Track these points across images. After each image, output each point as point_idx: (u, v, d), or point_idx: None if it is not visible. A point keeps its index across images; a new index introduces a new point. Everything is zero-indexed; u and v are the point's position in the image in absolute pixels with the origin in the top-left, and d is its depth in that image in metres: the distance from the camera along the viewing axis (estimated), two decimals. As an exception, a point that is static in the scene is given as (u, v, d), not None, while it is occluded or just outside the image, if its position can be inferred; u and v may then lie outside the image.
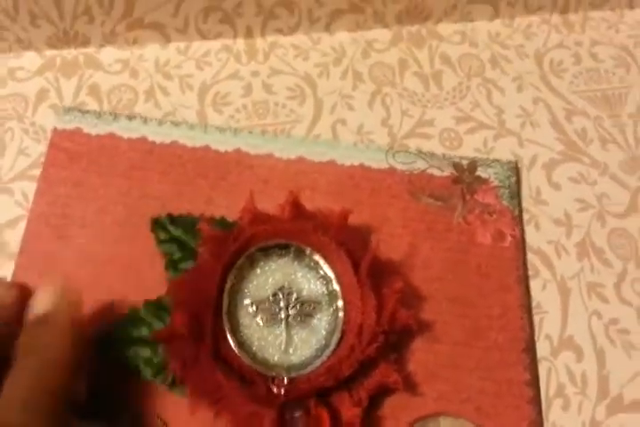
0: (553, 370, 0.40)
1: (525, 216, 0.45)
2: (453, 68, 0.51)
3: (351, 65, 0.50)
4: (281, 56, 0.50)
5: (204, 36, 0.50)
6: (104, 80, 0.48)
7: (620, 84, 0.51)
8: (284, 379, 0.35)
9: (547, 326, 0.41)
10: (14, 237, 0.41)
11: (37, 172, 0.43)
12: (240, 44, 0.50)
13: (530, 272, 0.43)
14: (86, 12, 0.47)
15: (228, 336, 0.36)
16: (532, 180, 0.46)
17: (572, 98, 0.50)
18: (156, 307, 0.38)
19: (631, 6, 0.54)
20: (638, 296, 0.43)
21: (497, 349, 0.40)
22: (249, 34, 0.50)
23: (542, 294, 0.42)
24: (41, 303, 0.33)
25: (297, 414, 0.35)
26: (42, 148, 0.44)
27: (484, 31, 0.53)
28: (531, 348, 0.40)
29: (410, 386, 0.38)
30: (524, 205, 0.45)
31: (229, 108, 0.47)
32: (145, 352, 0.37)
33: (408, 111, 0.49)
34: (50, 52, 0.48)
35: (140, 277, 0.40)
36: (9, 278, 0.39)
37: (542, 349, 0.41)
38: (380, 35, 0.52)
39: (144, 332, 0.37)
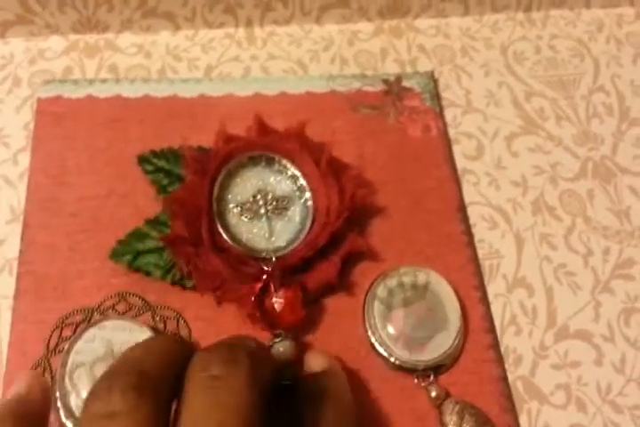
0: (507, 304, 0.46)
1: (487, 178, 0.51)
2: (428, 56, 0.58)
3: (338, 52, 0.57)
4: (277, 43, 0.57)
5: (209, 25, 0.57)
6: (121, 60, 0.55)
7: (575, 71, 0.58)
8: (271, 258, 0.42)
9: (503, 268, 0.48)
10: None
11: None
12: (241, 32, 0.57)
13: (490, 224, 0.49)
14: (107, 1, 0.54)
15: (222, 232, 0.43)
16: (494, 149, 0.53)
17: (532, 82, 0.57)
18: (156, 223, 0.45)
19: (588, 6, 0.62)
20: (584, 246, 0.49)
21: (435, 212, 0.49)
22: (249, 24, 0.57)
23: (500, 241, 0.49)
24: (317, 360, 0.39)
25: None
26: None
27: (455, 26, 0.60)
28: (462, 207, 0.49)
29: (372, 252, 0.47)
30: (488, 169, 0.52)
31: (230, 86, 0.54)
32: (152, 259, 0.44)
33: (388, 92, 0.56)
34: (74, 37, 0.56)
35: (136, 206, 0.47)
36: (19, 231, 0.46)
37: (498, 286, 0.47)
38: (364, 27, 0.59)
39: (148, 244, 0.44)
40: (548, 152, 0.53)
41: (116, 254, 0.44)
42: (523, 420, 0.43)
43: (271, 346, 0.41)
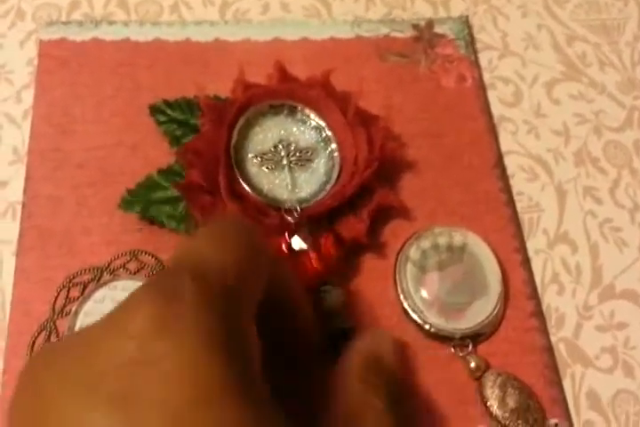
0: (549, 260, 0.43)
1: (526, 127, 0.48)
2: (461, -4, 0.53)
3: (364, -11, 0.53)
4: (298, -20, 0.53)
5: (225, -40, 0.52)
6: (132, -6, 0.50)
7: (619, 15, 0.54)
8: (295, 208, 0.39)
9: (543, 223, 0.44)
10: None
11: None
12: (259, -32, 0.53)
13: (529, 176, 0.46)
14: None
15: (240, 180, 0.39)
16: (532, 95, 0.49)
17: (574, 25, 0.53)
18: (169, 173, 0.42)
19: (631, -54, 0.57)
20: (631, 200, 0.46)
21: (471, 168, 0.45)
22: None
23: (540, 194, 0.45)
24: None
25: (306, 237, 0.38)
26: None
27: (490, -34, 0.55)
28: (500, 163, 0.46)
29: (403, 209, 0.43)
30: (527, 117, 0.48)
31: (250, 24, 0.50)
32: (165, 209, 0.40)
33: (417, 34, 0.51)
34: (80, -31, 0.51)
35: (147, 157, 0.43)
36: (23, 173, 0.42)
37: (539, 242, 0.44)
38: (392, -34, 0.54)
39: (161, 194, 0.41)
40: (591, 100, 0.49)
41: (125, 204, 0.41)
42: (566, 384, 0.39)
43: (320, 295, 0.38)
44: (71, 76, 0.46)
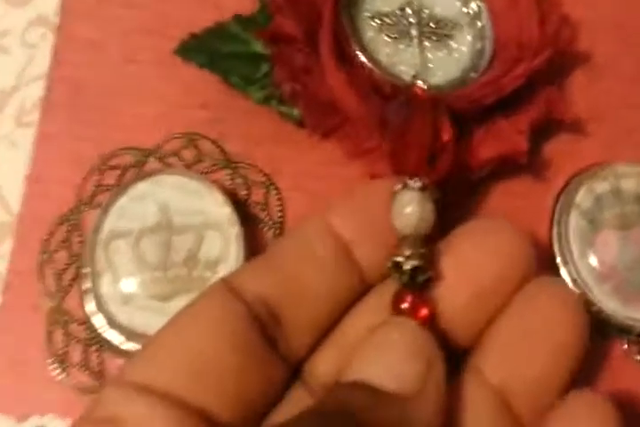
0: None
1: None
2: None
3: None
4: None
5: None
6: None
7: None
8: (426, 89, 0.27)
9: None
10: None
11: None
12: None
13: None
14: None
15: (351, 41, 0.28)
16: None
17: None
18: (250, 22, 0.31)
19: None
20: None
21: None
22: None
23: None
24: None
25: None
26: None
27: None
28: None
29: (574, 126, 0.32)
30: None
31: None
32: (240, 67, 0.30)
33: None
34: None
35: (220, 4, 0.32)
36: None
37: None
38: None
39: (237, 47, 0.31)
40: None
41: (186, 50, 0.31)
42: None
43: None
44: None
